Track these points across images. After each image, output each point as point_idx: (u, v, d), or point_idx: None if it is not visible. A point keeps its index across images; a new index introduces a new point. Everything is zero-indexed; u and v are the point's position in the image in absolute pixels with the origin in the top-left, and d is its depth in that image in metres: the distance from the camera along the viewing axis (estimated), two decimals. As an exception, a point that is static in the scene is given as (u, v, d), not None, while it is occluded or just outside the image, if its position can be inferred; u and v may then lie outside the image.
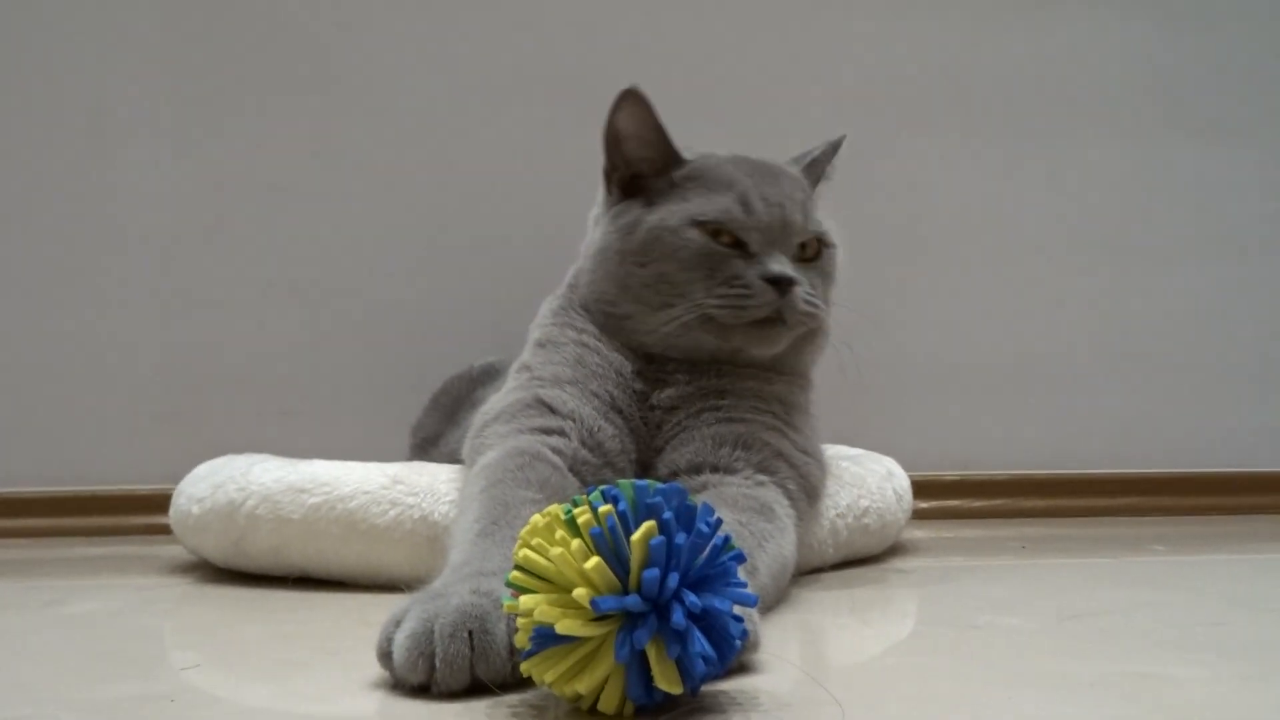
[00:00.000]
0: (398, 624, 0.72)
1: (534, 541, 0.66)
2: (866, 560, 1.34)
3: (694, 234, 1.11)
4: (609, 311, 1.18)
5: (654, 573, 0.62)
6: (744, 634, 0.67)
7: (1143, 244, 1.98)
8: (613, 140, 1.17)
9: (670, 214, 1.13)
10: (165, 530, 1.33)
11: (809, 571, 1.22)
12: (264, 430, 1.76)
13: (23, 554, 1.57)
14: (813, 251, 1.17)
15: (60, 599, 1.17)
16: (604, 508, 0.64)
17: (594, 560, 0.63)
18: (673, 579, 0.63)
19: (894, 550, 1.43)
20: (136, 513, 1.72)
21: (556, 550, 0.64)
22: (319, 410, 1.83)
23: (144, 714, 0.69)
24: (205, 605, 1.14)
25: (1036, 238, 1.97)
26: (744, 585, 0.68)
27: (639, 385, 1.15)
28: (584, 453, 1.08)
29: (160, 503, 1.35)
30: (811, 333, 1.16)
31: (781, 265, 1.10)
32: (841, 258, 1.21)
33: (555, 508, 0.68)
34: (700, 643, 0.63)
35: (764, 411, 1.15)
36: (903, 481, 1.44)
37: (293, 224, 1.86)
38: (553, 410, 1.12)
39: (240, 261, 1.85)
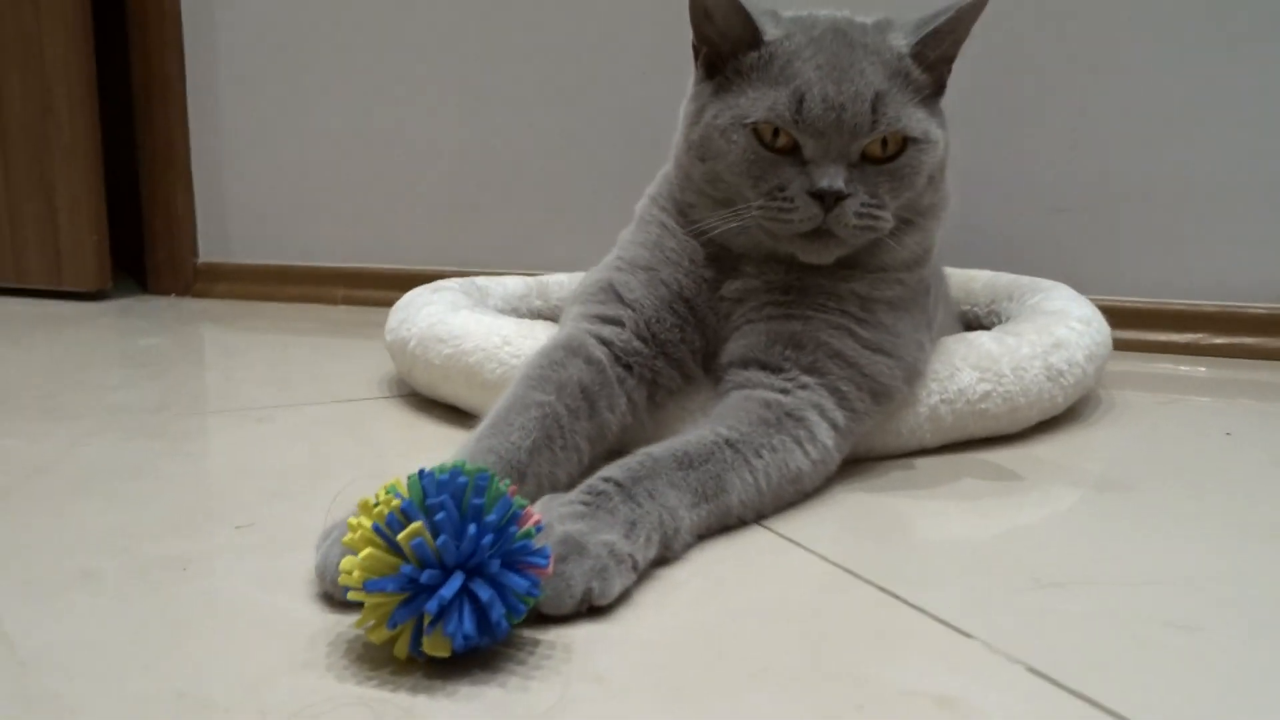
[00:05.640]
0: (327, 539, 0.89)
1: (359, 514, 0.80)
2: (997, 440, 1.28)
3: (740, 136, 1.07)
4: (677, 197, 1.19)
5: (410, 568, 0.74)
6: (520, 609, 0.77)
7: None
8: (697, 10, 1.12)
9: (723, 110, 1.09)
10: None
11: (899, 456, 1.21)
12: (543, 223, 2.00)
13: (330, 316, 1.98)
14: (894, 148, 1.07)
15: (270, 416, 1.50)
16: (381, 506, 0.76)
17: (365, 551, 0.76)
18: (428, 575, 0.74)
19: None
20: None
21: (360, 531, 0.78)
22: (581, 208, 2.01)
23: (166, 578, 0.94)
24: (379, 426, 1.40)
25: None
26: (541, 563, 0.77)
27: (709, 273, 1.17)
28: (636, 343, 1.14)
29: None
30: (881, 238, 1.09)
31: (832, 178, 1.03)
32: (938, 153, 1.10)
33: (388, 484, 0.80)
34: (458, 622, 0.75)
35: (832, 309, 1.12)
36: (1073, 354, 1.31)
37: (566, 28, 1.98)
38: (619, 298, 1.17)
39: (517, 65, 2.02)
